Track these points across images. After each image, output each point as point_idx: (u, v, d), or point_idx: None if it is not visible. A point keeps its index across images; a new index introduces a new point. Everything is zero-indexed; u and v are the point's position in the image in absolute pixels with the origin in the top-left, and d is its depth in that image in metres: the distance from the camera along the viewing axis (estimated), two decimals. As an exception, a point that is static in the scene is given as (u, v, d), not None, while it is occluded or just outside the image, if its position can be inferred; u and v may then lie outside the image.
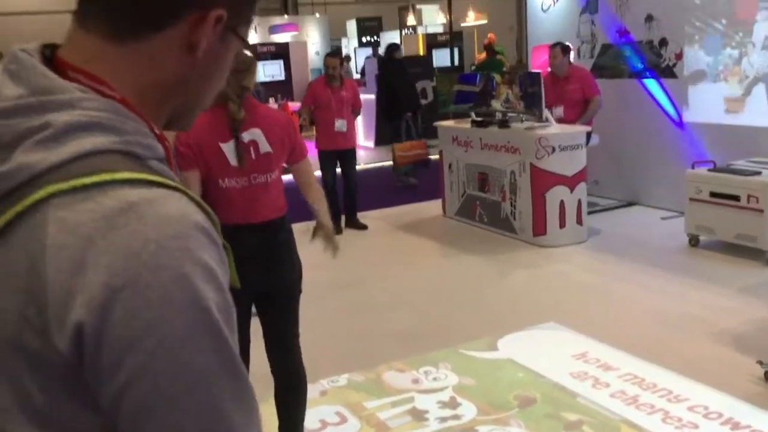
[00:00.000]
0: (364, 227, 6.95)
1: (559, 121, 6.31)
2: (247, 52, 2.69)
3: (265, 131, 2.62)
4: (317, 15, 22.38)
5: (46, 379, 0.71)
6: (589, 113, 6.51)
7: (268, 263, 2.67)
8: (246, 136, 2.60)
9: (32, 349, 0.70)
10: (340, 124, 6.60)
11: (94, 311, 0.67)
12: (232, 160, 2.59)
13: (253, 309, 2.78)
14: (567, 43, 6.80)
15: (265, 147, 2.62)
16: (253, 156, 2.62)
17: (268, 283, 2.69)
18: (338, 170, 6.82)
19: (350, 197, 6.94)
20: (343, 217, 6.86)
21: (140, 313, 0.67)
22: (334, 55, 7.01)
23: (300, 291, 2.82)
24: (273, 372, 2.83)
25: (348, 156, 6.80)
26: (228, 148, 2.58)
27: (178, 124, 0.89)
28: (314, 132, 6.78)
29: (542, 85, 6.03)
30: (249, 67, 2.61)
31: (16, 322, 0.70)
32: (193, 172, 2.56)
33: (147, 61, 0.79)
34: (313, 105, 6.66)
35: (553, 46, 6.67)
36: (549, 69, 6.78)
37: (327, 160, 6.74)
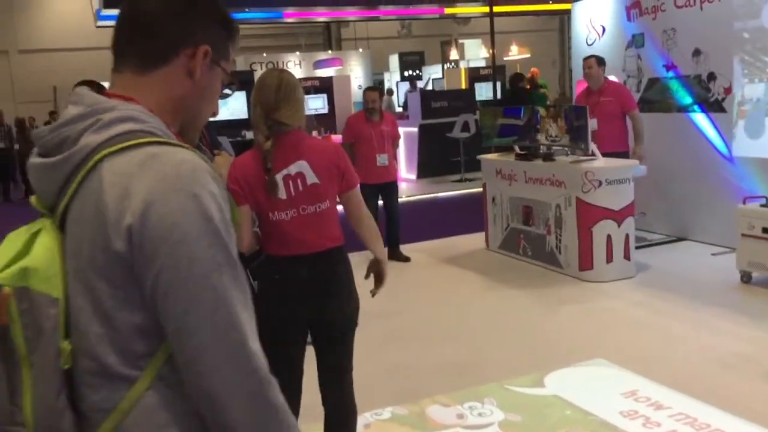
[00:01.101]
0: (407, 259, 6.95)
1: (593, 133, 6.27)
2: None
3: (311, 162, 2.65)
4: (360, 50, 22.71)
5: (112, 286, 1.07)
6: (640, 130, 6.48)
7: (324, 294, 2.69)
8: (293, 169, 2.64)
9: (102, 262, 1.07)
10: (382, 159, 6.67)
11: (137, 217, 1.04)
12: (280, 194, 2.62)
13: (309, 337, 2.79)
14: (601, 56, 6.84)
15: (312, 178, 2.64)
16: (300, 188, 2.64)
17: (324, 315, 2.70)
18: (379, 203, 6.85)
19: (393, 230, 6.96)
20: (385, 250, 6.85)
21: (167, 218, 1.04)
22: (374, 89, 7.05)
23: (356, 324, 2.82)
24: (324, 404, 2.82)
25: (390, 189, 6.84)
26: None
27: (185, 137, 1.24)
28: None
29: (588, 120, 5.99)
30: (278, 104, 2.62)
31: (91, 245, 1.08)
32: (243, 207, 2.60)
33: (162, 84, 1.20)
34: (354, 140, 6.70)
35: (587, 58, 6.71)
36: (583, 81, 6.88)
37: (367, 193, 6.74)
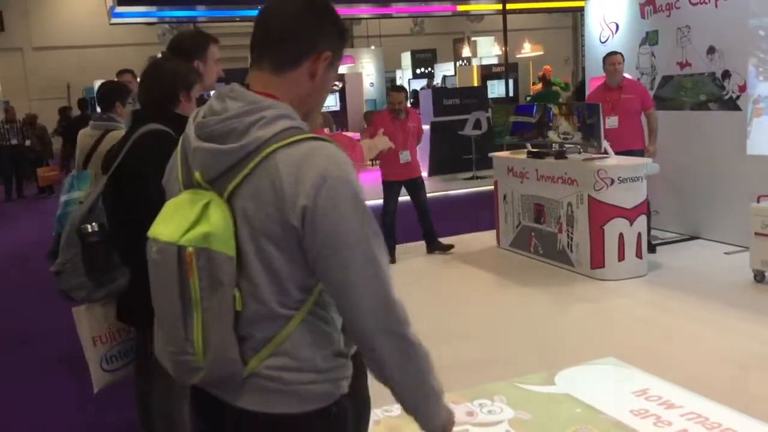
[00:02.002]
0: (449, 247, 7.09)
1: (614, 131, 6.26)
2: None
3: None
4: (373, 47, 22.69)
5: (280, 250, 1.38)
6: (656, 128, 6.48)
7: None
8: None
9: (276, 232, 1.37)
10: (405, 156, 6.76)
11: (310, 198, 1.34)
12: None
13: None
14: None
15: None
16: None
17: None
18: (398, 200, 6.94)
19: (426, 223, 7.06)
20: (423, 243, 7.15)
21: (331, 198, 1.35)
22: (399, 90, 7.10)
23: None
24: None
25: (416, 185, 6.93)
26: None
27: (306, 122, 1.49)
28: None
29: (601, 117, 5.96)
30: None
31: (267, 218, 1.37)
32: None
33: (292, 84, 1.47)
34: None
35: (613, 54, 6.57)
36: (597, 78, 6.84)
37: (391, 189, 6.88)
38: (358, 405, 1.57)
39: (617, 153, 6.09)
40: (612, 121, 6.40)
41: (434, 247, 7.10)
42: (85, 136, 4.12)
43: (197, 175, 1.43)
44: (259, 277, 1.40)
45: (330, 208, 1.35)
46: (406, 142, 6.77)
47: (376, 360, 1.44)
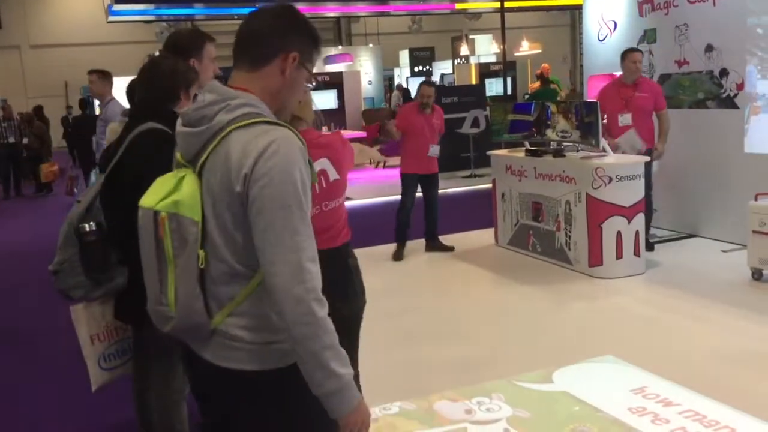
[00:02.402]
0: (449, 249, 7.05)
1: (627, 127, 6.24)
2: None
3: (332, 160, 2.69)
4: (371, 45, 22.68)
5: (232, 215, 1.61)
6: (667, 129, 6.41)
7: (335, 290, 2.70)
8: (316, 167, 2.66)
9: (227, 198, 1.61)
10: (434, 150, 6.82)
11: (249, 167, 1.57)
12: None
13: None
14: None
15: (333, 175, 2.70)
16: (324, 185, 2.69)
17: (340, 308, 2.71)
18: (415, 195, 6.97)
19: (432, 220, 7.07)
20: (424, 242, 7.13)
21: (267, 168, 1.56)
22: (430, 84, 7.17)
23: (361, 319, 2.84)
24: None
25: (432, 180, 6.94)
26: None
27: (279, 116, 1.72)
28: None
29: (599, 115, 5.97)
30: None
31: (220, 187, 1.61)
32: None
33: (264, 79, 1.72)
34: (404, 130, 6.82)
35: (634, 50, 6.46)
36: (596, 77, 6.80)
37: (410, 183, 6.90)
38: None
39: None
40: (626, 119, 6.31)
41: (434, 245, 7.10)
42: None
43: (178, 155, 1.74)
44: (218, 239, 1.64)
45: (264, 175, 1.56)
46: (434, 136, 6.82)
47: (285, 327, 1.57)
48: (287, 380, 1.65)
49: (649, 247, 6.27)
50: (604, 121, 6.26)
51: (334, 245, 2.72)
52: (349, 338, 2.81)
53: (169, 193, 1.66)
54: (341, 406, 1.62)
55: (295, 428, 1.73)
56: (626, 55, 6.43)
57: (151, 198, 1.68)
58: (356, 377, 2.83)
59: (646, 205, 6.08)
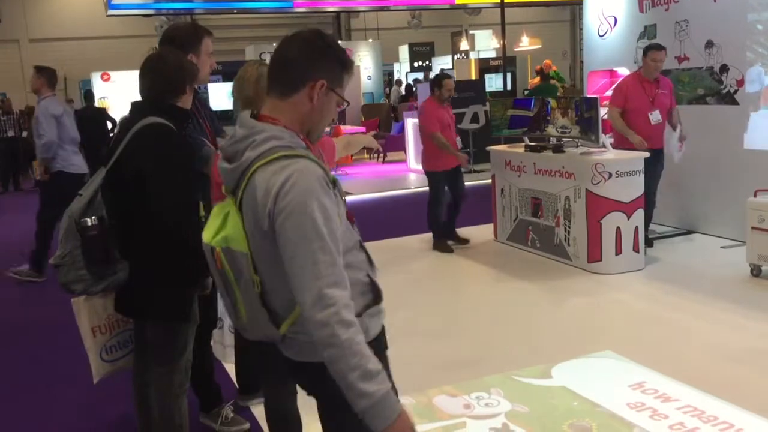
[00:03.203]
0: (465, 242, 7.03)
1: (655, 127, 6.14)
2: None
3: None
4: (370, 40, 22.65)
5: (272, 251, 1.73)
6: (679, 121, 6.35)
7: None
8: None
9: (260, 237, 1.74)
10: (458, 143, 6.91)
11: (272, 203, 1.69)
12: None
13: None
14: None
15: None
16: None
17: None
18: (445, 189, 6.98)
19: (455, 214, 7.05)
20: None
21: (285, 203, 1.67)
22: (451, 77, 7.25)
23: None
24: None
25: (459, 172, 6.92)
26: None
27: (312, 138, 1.89)
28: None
29: (599, 111, 5.96)
30: (258, 98, 2.63)
31: (256, 227, 1.74)
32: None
33: (293, 107, 1.83)
34: (440, 129, 6.75)
35: (659, 49, 6.19)
36: (595, 72, 6.71)
37: (442, 179, 6.90)
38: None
39: (653, 151, 6.00)
40: (656, 116, 6.15)
41: (451, 237, 7.08)
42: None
43: (224, 188, 1.87)
44: (263, 266, 1.79)
45: (283, 210, 1.68)
46: (455, 130, 6.86)
47: (320, 349, 1.69)
48: None
49: (648, 243, 6.28)
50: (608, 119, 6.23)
51: None
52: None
53: (219, 228, 1.83)
54: (377, 420, 1.68)
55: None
56: (649, 52, 6.18)
57: (207, 233, 1.86)
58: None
59: (648, 203, 6.08)
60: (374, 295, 1.96)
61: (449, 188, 6.92)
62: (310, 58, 1.80)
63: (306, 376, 1.94)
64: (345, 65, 1.86)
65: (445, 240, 6.96)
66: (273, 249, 1.73)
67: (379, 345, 1.94)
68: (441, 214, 6.91)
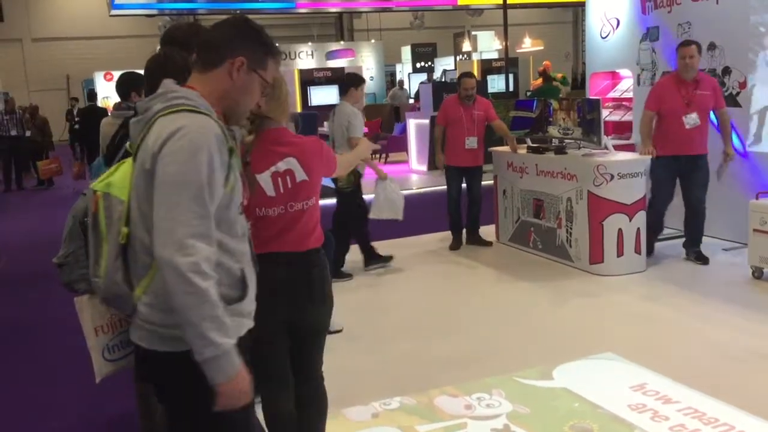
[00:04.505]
0: (488, 244, 7.05)
1: (695, 129, 5.74)
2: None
3: (300, 160, 2.62)
4: (373, 41, 22.66)
5: (147, 194, 1.74)
6: (730, 130, 5.94)
7: (297, 297, 2.65)
8: (282, 165, 2.60)
9: (142, 178, 1.76)
10: (471, 141, 6.79)
11: (159, 146, 1.72)
12: (269, 190, 2.59)
13: None
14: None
15: (301, 175, 2.61)
16: (289, 185, 2.61)
17: (296, 318, 2.68)
18: (461, 187, 6.99)
19: (474, 213, 7.07)
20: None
21: (172, 147, 1.70)
22: (470, 76, 7.12)
23: (328, 327, 2.83)
24: (295, 396, 2.82)
25: (475, 173, 6.93)
26: (263, 179, 2.59)
27: (231, 119, 1.93)
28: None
29: (601, 112, 5.96)
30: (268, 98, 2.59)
31: (140, 168, 1.76)
32: None
33: (212, 81, 1.89)
34: (446, 124, 6.83)
35: (686, 45, 5.76)
36: (597, 74, 6.52)
37: (453, 175, 6.93)
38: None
39: (689, 156, 5.77)
40: (693, 119, 5.71)
41: (473, 239, 7.10)
42: (107, 124, 4.15)
43: (128, 144, 1.95)
44: (137, 217, 1.79)
45: (168, 154, 1.70)
46: (472, 128, 6.78)
47: (169, 296, 1.68)
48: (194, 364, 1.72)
49: (650, 250, 6.14)
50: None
51: (298, 249, 2.64)
52: (312, 345, 2.78)
53: (108, 175, 1.89)
54: (218, 373, 1.69)
55: (200, 412, 1.81)
56: (678, 50, 5.81)
57: (98, 180, 1.92)
58: (322, 375, 2.83)
59: (697, 213, 5.94)
60: (241, 292, 1.89)
61: (467, 189, 6.97)
62: (233, 37, 1.89)
63: (148, 367, 1.91)
64: (269, 48, 1.92)
65: (456, 239, 7.01)
66: (147, 194, 1.73)
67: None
68: (453, 210, 6.92)
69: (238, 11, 17.15)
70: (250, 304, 1.93)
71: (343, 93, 6.31)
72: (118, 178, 1.86)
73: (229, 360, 1.71)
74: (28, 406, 4.15)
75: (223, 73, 1.87)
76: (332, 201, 6.13)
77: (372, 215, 6.00)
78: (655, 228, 6.11)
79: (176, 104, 1.77)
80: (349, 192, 5.99)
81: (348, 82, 6.30)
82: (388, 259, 6.46)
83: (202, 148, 1.69)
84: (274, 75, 1.97)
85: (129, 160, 1.85)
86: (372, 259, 6.38)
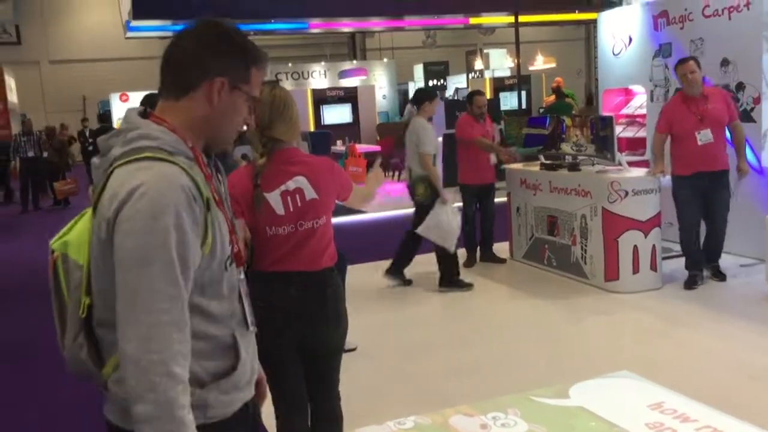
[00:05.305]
0: (501, 261, 7.06)
1: (709, 145, 5.54)
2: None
3: (309, 178, 2.63)
4: (385, 60, 22.77)
5: (103, 263, 1.43)
6: (743, 143, 5.75)
7: (311, 318, 2.64)
8: (291, 184, 2.61)
9: (99, 248, 1.44)
10: (492, 157, 6.85)
11: (113, 212, 1.39)
12: (278, 209, 2.60)
13: None
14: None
15: (310, 194, 2.62)
16: (299, 203, 2.61)
17: (313, 337, 2.67)
18: (476, 205, 7.01)
19: (487, 230, 7.09)
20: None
21: (129, 214, 1.37)
22: (482, 94, 7.17)
23: (343, 347, 2.81)
24: (311, 413, 2.81)
25: (490, 189, 6.96)
26: (272, 198, 2.60)
27: (213, 146, 1.61)
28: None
29: (614, 129, 5.95)
30: (272, 121, 2.62)
31: (95, 234, 1.45)
32: (239, 221, 2.54)
33: (186, 109, 1.54)
34: (469, 139, 6.79)
35: (684, 61, 5.68)
36: (611, 91, 6.48)
37: (470, 194, 6.95)
38: None
39: (712, 173, 5.58)
40: (706, 135, 5.53)
41: (486, 257, 7.11)
42: None
43: (90, 189, 1.64)
44: (97, 286, 1.48)
45: (124, 223, 1.38)
46: None
47: (127, 393, 1.37)
48: None
49: (692, 282, 5.79)
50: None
51: (310, 268, 2.63)
52: (327, 365, 2.77)
53: (66, 232, 1.57)
54: None
55: None
56: (676, 68, 5.75)
57: (56, 236, 1.59)
58: (337, 402, 2.81)
59: (715, 233, 5.80)
60: (233, 361, 1.55)
61: (480, 206, 6.99)
62: (206, 53, 1.53)
63: None
64: (250, 57, 1.57)
65: (470, 256, 7.02)
66: (105, 267, 1.42)
67: None
68: (469, 228, 6.92)
69: (252, 33, 17.32)
70: (244, 373, 1.59)
71: (417, 108, 6.32)
72: (75, 236, 1.54)
73: None
74: (40, 422, 4.16)
75: (199, 98, 1.52)
76: (353, 218, 6.14)
77: (420, 231, 6.00)
78: (692, 244, 5.83)
79: (135, 148, 1.44)
80: (428, 205, 6.02)
81: (422, 96, 6.35)
82: (408, 282, 6.47)
83: (165, 211, 1.37)
84: (260, 84, 1.63)
85: (88, 213, 1.52)
86: (397, 271, 6.40)
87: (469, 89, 19.40)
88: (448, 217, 5.96)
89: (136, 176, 1.39)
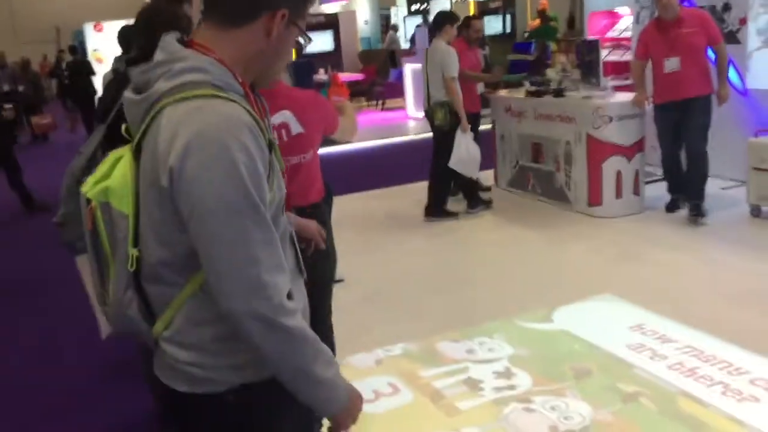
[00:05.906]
0: (487, 189, 6.89)
1: (678, 73, 5.34)
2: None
3: (295, 112, 2.58)
4: (367, -17, 22.16)
5: (162, 213, 1.31)
6: (725, 68, 5.47)
7: (303, 251, 2.66)
8: (276, 119, 2.55)
9: (154, 193, 1.31)
10: (480, 86, 6.68)
11: (179, 158, 1.25)
12: None
13: None
14: None
15: (296, 128, 2.59)
16: (284, 138, 2.57)
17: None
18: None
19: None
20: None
21: (201, 161, 1.25)
22: (479, 18, 6.92)
23: (333, 279, 2.82)
24: None
25: (477, 118, 6.65)
26: None
27: (260, 83, 1.47)
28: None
29: (600, 53, 5.88)
30: None
31: (149, 178, 1.32)
32: None
33: (240, 41, 1.38)
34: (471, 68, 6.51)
35: None
36: (597, 13, 6.32)
37: (472, 122, 6.66)
38: (280, 397, 1.42)
39: (681, 101, 5.38)
40: (672, 64, 5.34)
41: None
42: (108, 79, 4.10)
43: (123, 127, 1.44)
44: (149, 237, 1.36)
45: (196, 169, 1.25)
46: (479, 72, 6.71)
47: (253, 347, 1.33)
48: (227, 407, 1.42)
49: (673, 207, 5.83)
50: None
51: (298, 203, 2.58)
52: (320, 298, 2.78)
53: (103, 177, 1.41)
54: (332, 406, 1.43)
55: None
56: None
57: (89, 182, 1.44)
58: (330, 333, 2.84)
59: (667, 159, 5.77)
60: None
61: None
62: None
63: (176, 410, 1.49)
64: None
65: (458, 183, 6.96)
66: (167, 216, 1.31)
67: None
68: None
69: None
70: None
71: (437, 31, 6.08)
72: (118, 183, 1.39)
73: (340, 389, 1.43)
74: (31, 363, 4.21)
75: (257, 29, 1.36)
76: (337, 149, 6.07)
77: (451, 164, 5.93)
78: (672, 171, 5.82)
79: (186, 83, 1.30)
80: (447, 131, 5.93)
81: (443, 19, 6.10)
82: (489, 203, 6.45)
83: (239, 155, 1.26)
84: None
85: (126, 155, 1.40)
86: (473, 200, 6.37)
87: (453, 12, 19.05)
88: (468, 146, 5.92)
89: (196, 118, 1.26)
